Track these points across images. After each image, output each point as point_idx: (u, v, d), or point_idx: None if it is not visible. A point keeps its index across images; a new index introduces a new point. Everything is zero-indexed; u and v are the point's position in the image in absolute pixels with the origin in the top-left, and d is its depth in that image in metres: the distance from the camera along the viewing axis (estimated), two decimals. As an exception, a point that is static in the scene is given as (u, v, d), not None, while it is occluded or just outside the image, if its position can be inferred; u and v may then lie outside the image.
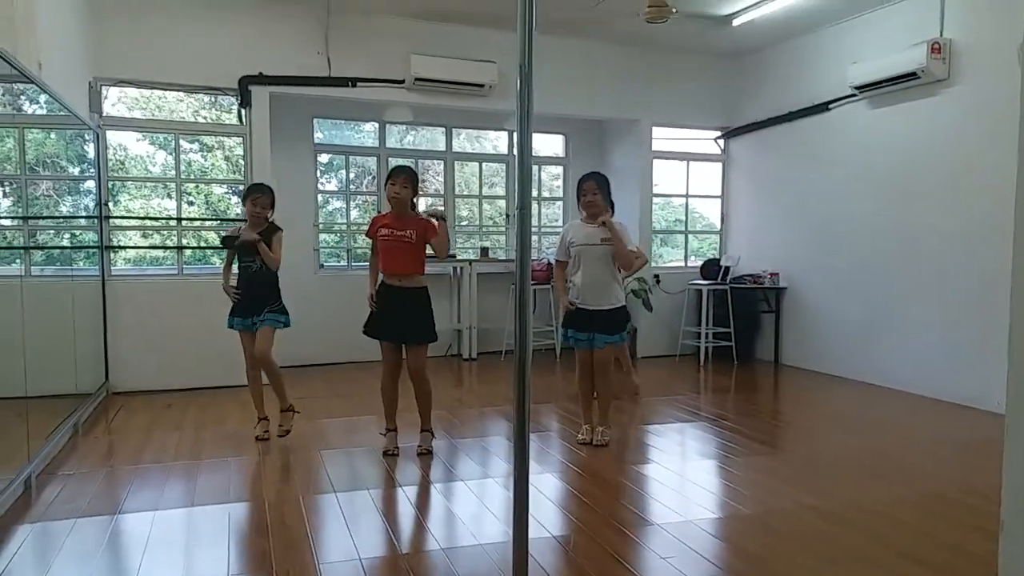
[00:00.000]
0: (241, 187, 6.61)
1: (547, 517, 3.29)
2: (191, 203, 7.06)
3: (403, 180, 4.09)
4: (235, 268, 4.45)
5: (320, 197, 7.53)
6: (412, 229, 4.09)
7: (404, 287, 4.11)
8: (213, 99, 6.78)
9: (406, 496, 3.57)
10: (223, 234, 4.59)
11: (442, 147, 8.01)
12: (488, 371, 7.07)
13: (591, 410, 4.53)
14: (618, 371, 4.65)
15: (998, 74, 5.26)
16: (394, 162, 7.86)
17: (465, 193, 8.26)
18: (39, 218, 4.51)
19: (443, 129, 7.96)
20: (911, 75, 5.76)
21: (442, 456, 4.22)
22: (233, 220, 6.92)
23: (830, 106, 6.77)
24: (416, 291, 4.14)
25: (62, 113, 4.61)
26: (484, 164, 8.30)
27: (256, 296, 4.36)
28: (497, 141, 8.38)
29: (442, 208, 7.47)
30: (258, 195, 4.38)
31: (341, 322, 6.23)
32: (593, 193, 4.29)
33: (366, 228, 4.36)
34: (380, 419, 4.39)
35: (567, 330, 4.43)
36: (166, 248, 6.54)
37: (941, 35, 5.67)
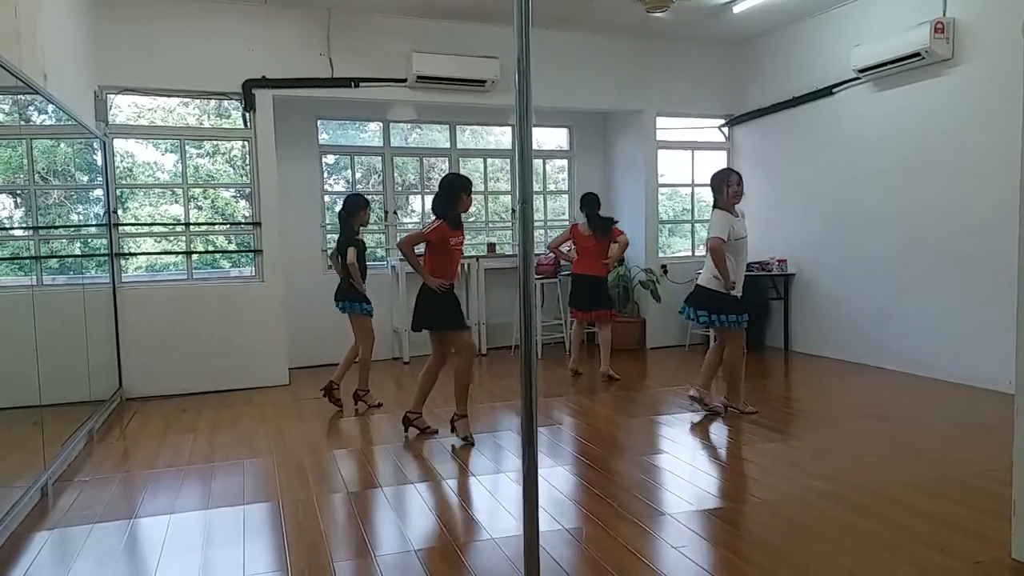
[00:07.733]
0: (248, 190, 6.65)
1: (559, 510, 3.31)
2: (199, 208, 7.10)
3: None
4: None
5: (327, 198, 7.55)
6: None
7: None
8: (217, 104, 6.81)
9: (418, 493, 3.59)
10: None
11: (447, 144, 8.02)
12: (498, 366, 7.08)
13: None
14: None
15: (1003, 53, 5.21)
16: (400, 161, 7.88)
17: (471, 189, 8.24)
18: (50, 228, 4.56)
19: (447, 126, 7.96)
20: (915, 56, 5.70)
21: (454, 452, 4.25)
22: (240, 223, 6.97)
23: (834, 90, 6.72)
24: None
25: (69, 123, 4.65)
26: (489, 160, 8.30)
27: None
28: (502, 137, 8.38)
29: None
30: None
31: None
32: (739, 183, 4.79)
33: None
34: (390, 417, 4.40)
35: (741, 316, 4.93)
36: (175, 253, 6.58)
37: (944, 15, 5.61)
